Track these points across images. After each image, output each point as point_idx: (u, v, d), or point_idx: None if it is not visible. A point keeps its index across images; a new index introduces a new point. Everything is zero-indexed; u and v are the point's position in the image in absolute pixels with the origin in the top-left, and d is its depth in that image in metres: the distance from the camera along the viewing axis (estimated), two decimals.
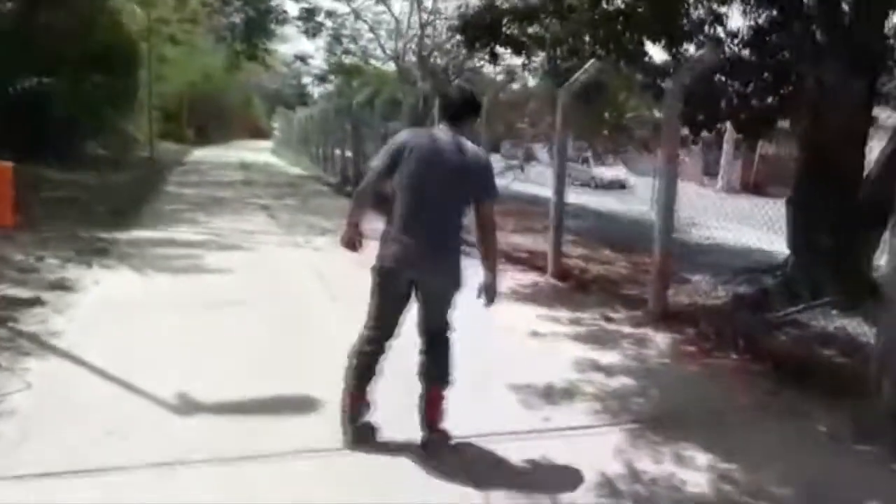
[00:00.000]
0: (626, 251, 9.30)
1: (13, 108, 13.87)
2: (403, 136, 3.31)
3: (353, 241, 3.39)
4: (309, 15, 17.53)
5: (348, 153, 17.86)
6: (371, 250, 3.36)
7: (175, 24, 24.76)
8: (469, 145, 3.25)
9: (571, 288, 6.89)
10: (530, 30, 10.23)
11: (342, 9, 17.70)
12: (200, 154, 31.47)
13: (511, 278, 7.21)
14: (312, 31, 18.22)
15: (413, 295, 3.26)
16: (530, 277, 7.32)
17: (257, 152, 34.60)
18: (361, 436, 3.22)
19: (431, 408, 3.27)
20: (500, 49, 10.62)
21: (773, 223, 7.09)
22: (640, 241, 11.37)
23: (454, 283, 3.24)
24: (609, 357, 4.71)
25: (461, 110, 3.32)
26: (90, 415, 3.43)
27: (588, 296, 6.55)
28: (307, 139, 26.67)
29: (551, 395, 3.98)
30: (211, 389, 3.73)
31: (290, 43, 25.18)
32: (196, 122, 43.53)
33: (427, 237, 3.17)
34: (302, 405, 3.66)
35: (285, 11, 18.65)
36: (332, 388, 3.34)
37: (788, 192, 6.43)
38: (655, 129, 17.03)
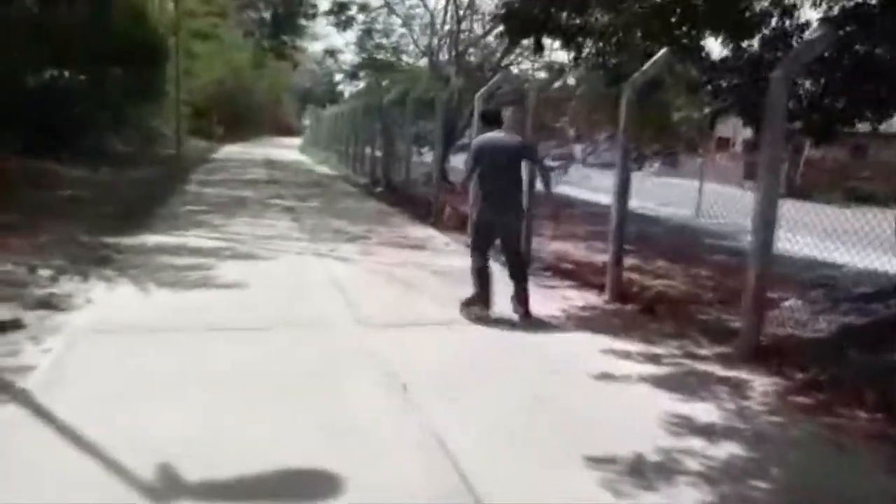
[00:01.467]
0: (681, 261, 8.31)
1: (26, 102, 13.26)
2: (477, 142, 5.69)
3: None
4: (340, 9, 16.73)
5: (378, 153, 17.04)
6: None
7: (203, 17, 24.19)
8: (513, 136, 5.94)
9: (636, 312, 5.90)
10: (578, 20, 9.32)
11: (375, 2, 16.90)
12: (228, 151, 30.96)
13: (562, 298, 6.26)
14: (343, 25, 17.41)
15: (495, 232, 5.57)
16: (584, 297, 6.36)
17: (286, 150, 34.03)
18: (483, 319, 5.40)
19: (521, 299, 5.46)
20: (546, 41, 9.69)
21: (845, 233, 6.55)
22: (693, 249, 10.47)
23: (519, 218, 5.90)
24: (705, 412, 3.74)
25: (497, 120, 5.83)
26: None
27: (659, 322, 5.56)
28: (336, 138, 25.95)
29: (643, 472, 3.03)
30: (208, 467, 2.85)
31: (322, 41, 24.49)
32: (226, 119, 43.12)
33: (502, 197, 5.46)
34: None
35: (315, 6, 17.91)
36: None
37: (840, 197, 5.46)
38: (700, 131, 15.94)
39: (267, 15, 19.85)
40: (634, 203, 14.22)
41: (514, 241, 5.67)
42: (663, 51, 6.06)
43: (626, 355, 4.66)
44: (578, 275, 7.37)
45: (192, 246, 7.75)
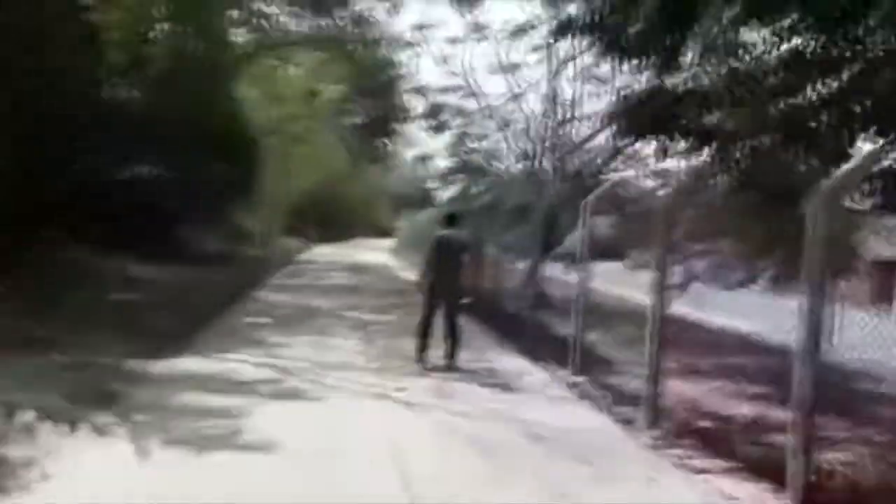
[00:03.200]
0: (862, 422, 6.14)
1: (103, 192, 12.79)
2: (436, 236, 8.05)
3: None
4: (435, 111, 15.98)
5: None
6: None
7: (302, 119, 24.36)
8: (462, 233, 8.32)
9: None
10: (707, 119, 7.78)
11: (471, 106, 16.07)
12: (317, 252, 30.68)
13: (715, 489, 4.32)
14: (437, 128, 16.63)
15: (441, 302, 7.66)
16: (748, 490, 4.38)
17: (376, 252, 33.50)
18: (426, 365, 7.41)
19: (450, 352, 7.48)
20: (670, 142, 8.14)
21: None
22: (863, 399, 8.16)
23: (461, 296, 7.87)
24: None
25: (453, 221, 8.25)
26: None
27: None
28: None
29: None
30: None
31: (417, 146, 24.10)
32: (320, 220, 43.70)
33: (449, 278, 7.67)
34: None
35: (409, 110, 17.33)
36: None
37: None
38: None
39: (362, 119, 19.43)
40: (740, 324, 12.12)
41: (453, 311, 7.65)
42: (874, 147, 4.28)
43: None
44: (725, 442, 5.40)
45: (231, 376, 6.35)
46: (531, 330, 9.96)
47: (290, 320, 10.04)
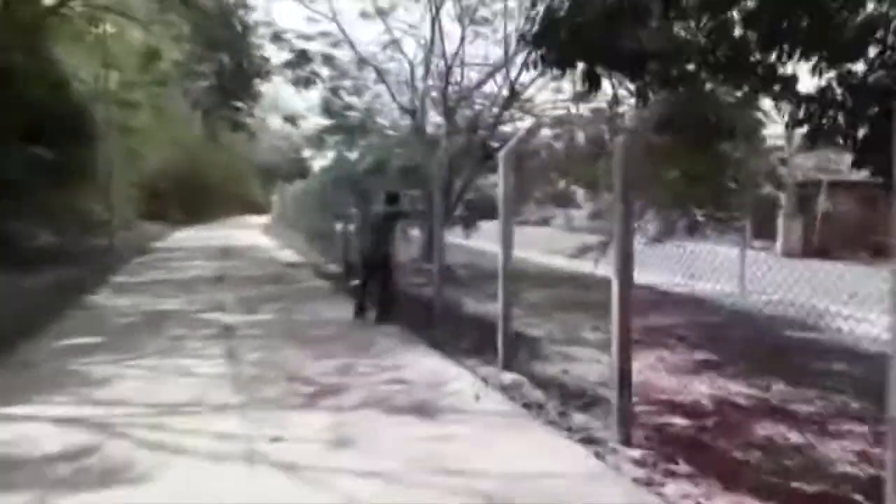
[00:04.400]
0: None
1: None
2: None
3: None
4: (300, 61, 13.55)
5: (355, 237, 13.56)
6: None
7: (143, 86, 21.00)
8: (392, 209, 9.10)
9: None
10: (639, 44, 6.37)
11: (343, 56, 13.80)
12: (181, 236, 27.38)
13: None
14: (304, 83, 14.26)
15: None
16: None
17: (248, 231, 30.50)
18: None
19: (382, 309, 8.55)
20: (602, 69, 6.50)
21: None
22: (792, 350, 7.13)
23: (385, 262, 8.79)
24: None
25: (396, 199, 9.28)
26: None
27: None
28: (303, 217, 22.63)
29: None
30: None
31: (284, 108, 21.36)
32: (185, 199, 39.69)
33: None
34: None
35: (267, 59, 14.75)
36: None
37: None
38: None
39: (214, 79, 16.62)
40: (658, 278, 11.10)
41: (379, 278, 8.77)
42: None
43: None
44: (700, 445, 3.97)
45: (10, 452, 4.11)
46: (439, 313, 8.19)
47: (128, 336, 7.67)
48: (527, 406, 5.20)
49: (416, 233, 13.23)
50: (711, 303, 11.48)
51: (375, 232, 8.78)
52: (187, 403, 5.14)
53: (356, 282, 10.32)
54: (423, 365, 6.37)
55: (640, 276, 7.51)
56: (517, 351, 6.46)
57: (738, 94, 7.62)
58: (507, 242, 6.26)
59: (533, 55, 6.29)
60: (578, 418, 4.87)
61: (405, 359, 6.59)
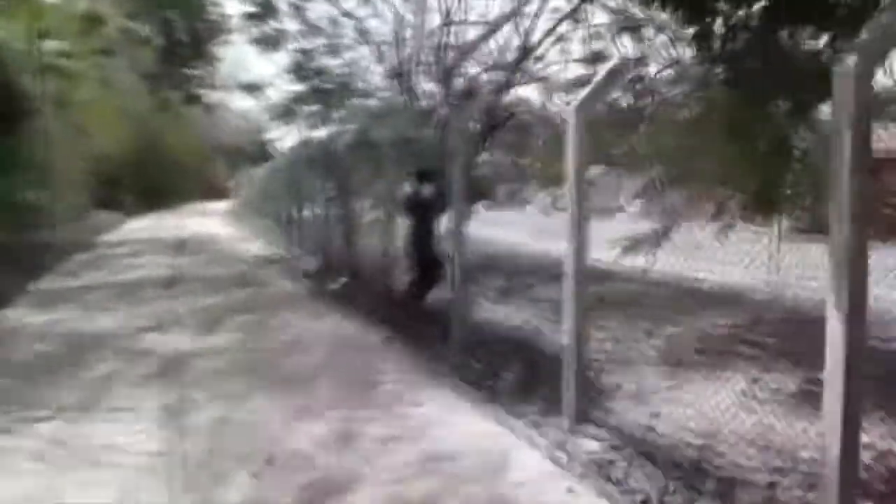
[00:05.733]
0: None
1: None
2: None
3: None
4: (264, 13, 11.18)
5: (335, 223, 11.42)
6: None
7: (83, 57, 18.37)
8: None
9: None
10: None
11: (315, 8, 11.48)
12: (135, 226, 24.81)
13: None
14: (269, 42, 11.96)
15: None
16: None
17: (210, 219, 27.96)
18: None
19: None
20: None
21: None
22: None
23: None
24: None
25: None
26: None
27: None
28: (272, 204, 20.34)
29: None
30: None
31: (247, 75, 18.83)
32: (142, 185, 36.80)
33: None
34: None
35: (226, 16, 12.40)
36: None
37: None
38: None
39: (163, 44, 14.20)
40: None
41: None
42: None
43: None
44: None
45: None
46: (459, 330, 6.13)
47: (32, 379, 5.47)
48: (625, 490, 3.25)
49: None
50: (745, 295, 9.85)
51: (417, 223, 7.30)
52: None
53: (336, 284, 9.52)
54: (459, 422, 4.35)
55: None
56: (591, 395, 4.46)
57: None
58: (581, 236, 4.24)
59: None
60: None
61: (430, 411, 4.55)
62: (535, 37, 10.04)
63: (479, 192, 12.00)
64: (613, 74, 4.34)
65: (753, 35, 5.67)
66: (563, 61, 10.03)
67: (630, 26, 9.63)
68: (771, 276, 9.00)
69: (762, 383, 4.89)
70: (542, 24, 9.97)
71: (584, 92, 4.33)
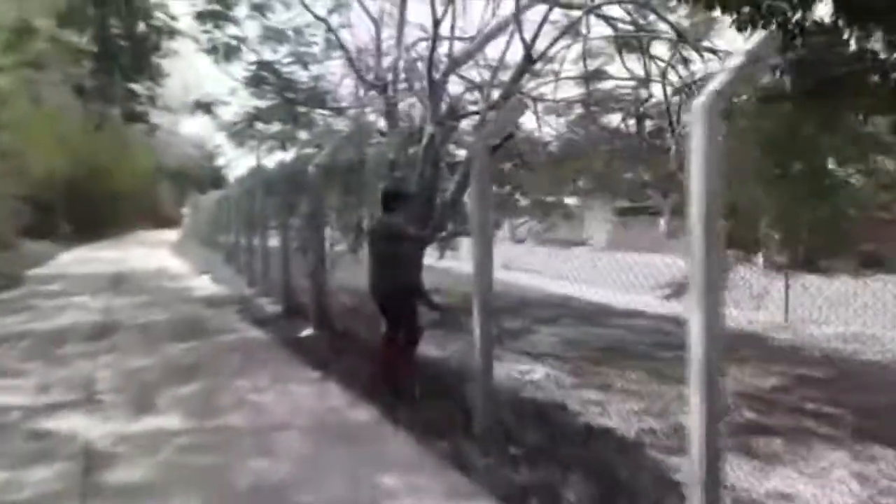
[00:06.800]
0: None
1: None
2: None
3: None
4: (215, 13, 9.46)
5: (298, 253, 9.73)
6: None
7: (10, 70, 16.35)
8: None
9: None
10: None
11: (277, 10, 9.86)
12: (68, 258, 22.53)
13: None
14: (225, 54, 10.31)
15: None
16: None
17: (155, 250, 25.72)
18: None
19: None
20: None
21: None
22: None
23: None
24: None
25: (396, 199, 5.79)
26: None
27: None
28: (224, 232, 18.50)
29: None
30: None
31: (197, 91, 17.00)
32: (79, 212, 34.19)
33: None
34: None
35: (173, 17, 10.68)
36: None
37: None
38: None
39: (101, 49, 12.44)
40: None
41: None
42: None
43: None
44: None
45: None
46: (484, 406, 4.56)
47: None
48: None
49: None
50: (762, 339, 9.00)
51: (390, 258, 5.53)
52: None
53: (306, 332, 8.34)
54: None
55: None
56: None
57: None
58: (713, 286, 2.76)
59: None
60: None
61: None
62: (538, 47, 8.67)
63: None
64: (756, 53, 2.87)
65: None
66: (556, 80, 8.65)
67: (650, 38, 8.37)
68: None
69: None
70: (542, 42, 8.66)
71: (716, 78, 2.84)
